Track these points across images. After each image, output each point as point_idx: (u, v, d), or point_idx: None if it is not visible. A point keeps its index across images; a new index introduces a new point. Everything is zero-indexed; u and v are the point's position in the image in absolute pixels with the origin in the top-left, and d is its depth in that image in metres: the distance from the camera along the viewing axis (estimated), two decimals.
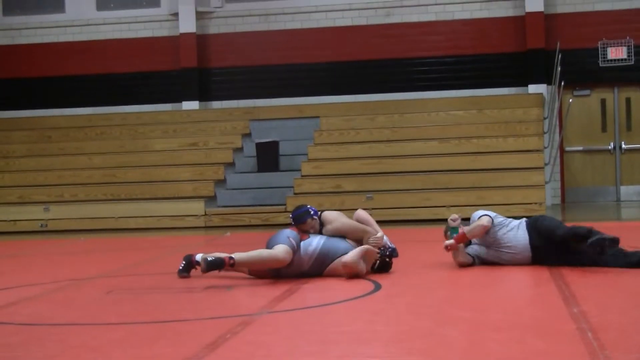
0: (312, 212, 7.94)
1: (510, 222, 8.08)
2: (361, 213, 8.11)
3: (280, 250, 7.45)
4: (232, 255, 7.44)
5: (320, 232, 7.93)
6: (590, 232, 7.56)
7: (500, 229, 8.02)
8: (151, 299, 7.13)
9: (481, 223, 7.97)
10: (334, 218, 8.00)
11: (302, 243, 7.65)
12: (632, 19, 17.92)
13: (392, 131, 17.25)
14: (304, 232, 7.85)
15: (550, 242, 7.78)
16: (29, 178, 17.38)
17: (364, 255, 7.62)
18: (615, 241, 7.48)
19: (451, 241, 8.05)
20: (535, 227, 7.95)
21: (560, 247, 7.73)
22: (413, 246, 9.64)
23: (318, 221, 7.98)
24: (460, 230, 8.02)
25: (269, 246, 7.60)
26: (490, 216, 8.05)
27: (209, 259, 7.37)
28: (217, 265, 7.35)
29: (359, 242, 7.84)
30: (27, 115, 19.45)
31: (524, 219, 8.14)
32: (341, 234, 7.87)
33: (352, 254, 7.53)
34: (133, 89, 19.47)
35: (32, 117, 19.31)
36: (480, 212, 8.12)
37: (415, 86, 18.53)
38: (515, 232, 7.98)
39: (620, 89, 18.21)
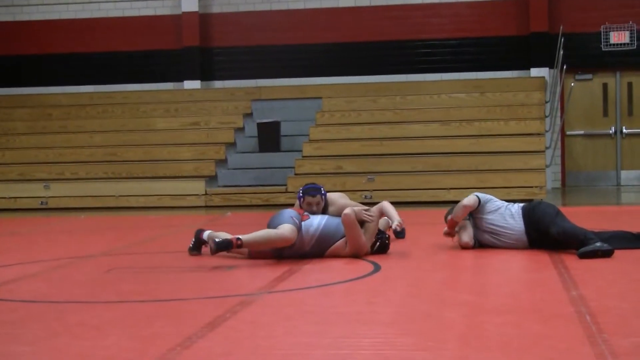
0: (323, 192, 8.05)
1: (505, 210, 8.03)
2: (384, 204, 8.11)
3: (287, 229, 7.48)
4: (240, 237, 7.48)
5: (323, 213, 7.98)
6: (585, 237, 7.40)
7: (495, 217, 7.99)
8: (151, 278, 7.16)
9: (462, 204, 7.98)
10: (337, 198, 8.11)
11: (303, 224, 7.68)
12: (635, 3, 17.86)
13: (393, 113, 17.24)
14: (307, 210, 7.89)
15: (544, 235, 7.77)
16: (30, 155, 17.37)
17: (365, 226, 7.68)
18: (608, 253, 7.28)
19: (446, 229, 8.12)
20: (530, 217, 7.89)
21: (555, 241, 7.72)
22: (413, 228, 9.65)
23: (324, 202, 8.06)
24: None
25: (271, 226, 7.62)
26: (478, 197, 8.05)
27: (217, 240, 7.41)
28: (225, 246, 7.38)
29: (360, 224, 7.85)
30: (29, 92, 19.41)
31: (520, 205, 8.10)
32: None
33: (348, 209, 7.59)
34: (135, 68, 19.43)
35: (33, 95, 19.28)
36: (473, 194, 8.14)
37: (418, 68, 18.49)
38: (511, 221, 7.95)
39: (623, 74, 18.18)
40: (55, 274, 7.53)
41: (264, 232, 7.56)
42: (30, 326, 5.22)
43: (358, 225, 7.64)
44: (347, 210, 7.59)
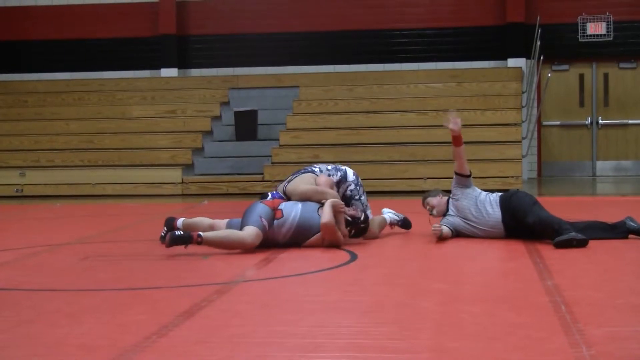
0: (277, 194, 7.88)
1: (485, 198, 8.06)
2: (321, 179, 7.98)
3: (250, 233, 7.37)
4: (201, 233, 7.36)
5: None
6: (560, 227, 7.44)
7: (473, 203, 8.01)
8: (126, 266, 7.13)
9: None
10: (295, 187, 7.90)
11: (275, 222, 7.56)
12: None
13: (370, 102, 17.24)
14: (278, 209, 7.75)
15: (521, 224, 7.80)
16: (5, 142, 17.24)
17: (336, 215, 7.59)
18: (583, 242, 7.33)
19: (437, 225, 8.02)
20: (507, 206, 7.91)
21: (531, 230, 7.75)
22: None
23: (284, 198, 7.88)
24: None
25: (242, 222, 7.50)
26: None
27: (176, 233, 7.27)
28: (183, 240, 7.20)
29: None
30: (4, 79, 19.25)
31: (499, 194, 8.13)
32: (306, 199, 7.75)
33: (325, 215, 7.50)
34: (111, 55, 19.31)
35: (8, 81, 19.12)
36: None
37: (395, 58, 18.49)
38: (489, 209, 7.97)
39: (599, 65, 18.26)
40: (29, 261, 7.49)
41: (226, 234, 7.44)
42: (3, 313, 5.19)
43: (338, 231, 7.59)
44: (325, 220, 7.48)
